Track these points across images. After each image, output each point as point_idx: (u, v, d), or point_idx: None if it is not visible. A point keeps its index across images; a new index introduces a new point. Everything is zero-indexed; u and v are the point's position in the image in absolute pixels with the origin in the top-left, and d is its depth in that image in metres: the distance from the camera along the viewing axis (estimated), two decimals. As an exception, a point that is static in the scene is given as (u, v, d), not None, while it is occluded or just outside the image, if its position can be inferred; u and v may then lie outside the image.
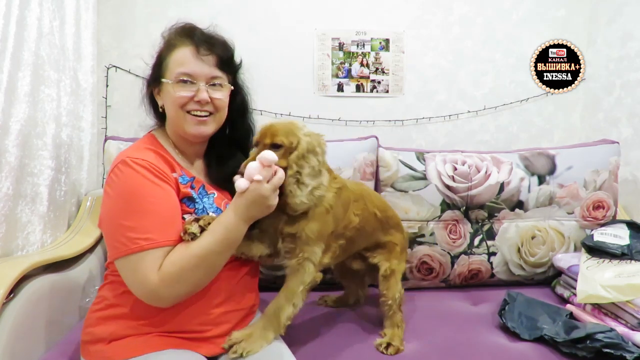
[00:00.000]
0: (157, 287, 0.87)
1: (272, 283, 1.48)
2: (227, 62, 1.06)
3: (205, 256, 0.91)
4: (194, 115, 1.01)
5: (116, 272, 0.97)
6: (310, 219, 1.06)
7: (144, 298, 0.90)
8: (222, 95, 1.04)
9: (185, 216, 0.98)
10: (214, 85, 1.03)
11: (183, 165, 1.04)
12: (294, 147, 1.03)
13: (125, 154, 0.95)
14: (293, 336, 1.25)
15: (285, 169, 1.01)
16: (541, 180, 1.69)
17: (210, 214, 1.00)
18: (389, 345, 1.20)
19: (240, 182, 0.94)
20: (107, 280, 1.02)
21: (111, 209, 0.92)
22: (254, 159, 0.96)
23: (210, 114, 1.04)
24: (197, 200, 1.00)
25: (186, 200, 0.99)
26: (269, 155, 0.94)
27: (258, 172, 0.93)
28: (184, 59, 1.00)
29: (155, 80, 1.05)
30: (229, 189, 1.09)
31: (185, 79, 0.99)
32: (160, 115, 1.09)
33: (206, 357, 0.99)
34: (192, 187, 1.01)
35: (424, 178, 1.64)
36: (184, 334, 0.97)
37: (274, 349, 1.01)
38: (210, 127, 1.05)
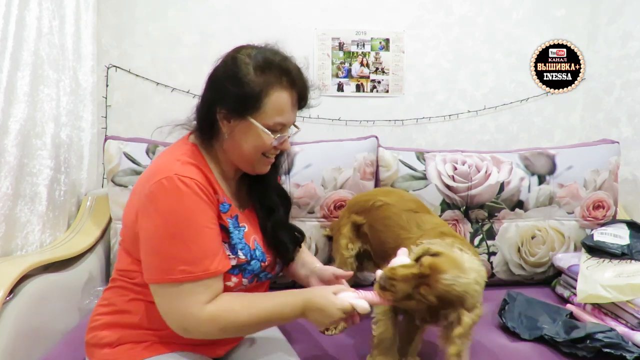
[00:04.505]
0: (203, 322, 0.84)
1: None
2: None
3: (258, 321, 0.89)
4: (267, 157, 0.97)
5: (129, 279, 0.94)
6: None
7: (178, 328, 0.86)
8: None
9: None
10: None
11: (224, 189, 0.97)
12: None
13: (171, 167, 0.86)
14: (295, 337, 1.25)
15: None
16: (541, 180, 1.69)
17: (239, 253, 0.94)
18: None
19: (379, 277, 0.91)
20: (115, 284, 0.98)
21: (150, 228, 0.85)
22: (405, 275, 0.88)
23: None
24: (232, 232, 0.94)
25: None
26: (366, 308, 0.89)
27: (365, 302, 0.89)
28: (284, 107, 0.92)
29: (238, 112, 0.90)
30: (262, 205, 1.05)
31: (280, 129, 0.93)
32: (211, 133, 0.95)
33: (211, 358, 0.99)
34: (230, 217, 0.95)
35: (424, 178, 1.64)
36: (190, 340, 0.95)
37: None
38: None
